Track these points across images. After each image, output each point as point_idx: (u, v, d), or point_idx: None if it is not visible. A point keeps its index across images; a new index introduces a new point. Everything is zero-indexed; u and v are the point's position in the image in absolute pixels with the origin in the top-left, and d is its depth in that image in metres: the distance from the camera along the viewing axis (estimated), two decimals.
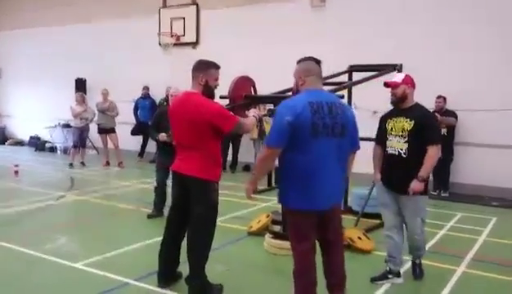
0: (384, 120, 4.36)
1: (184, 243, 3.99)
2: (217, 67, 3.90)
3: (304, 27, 10.07)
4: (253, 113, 4.16)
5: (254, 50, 10.53)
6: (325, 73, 5.90)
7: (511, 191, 8.16)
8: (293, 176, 3.19)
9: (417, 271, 4.43)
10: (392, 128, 4.19)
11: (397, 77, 4.35)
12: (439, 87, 8.44)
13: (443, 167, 8.35)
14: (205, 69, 3.84)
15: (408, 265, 4.64)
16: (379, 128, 4.42)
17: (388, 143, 4.22)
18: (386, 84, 4.32)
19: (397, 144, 4.13)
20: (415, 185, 4.00)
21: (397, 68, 6.16)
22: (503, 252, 5.39)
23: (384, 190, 4.32)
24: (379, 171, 4.36)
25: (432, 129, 4.12)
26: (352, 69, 6.70)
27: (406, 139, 4.07)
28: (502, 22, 8.32)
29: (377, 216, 6.04)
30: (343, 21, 9.67)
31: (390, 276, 4.30)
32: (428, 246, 5.30)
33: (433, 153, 4.01)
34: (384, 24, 9.23)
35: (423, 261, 4.53)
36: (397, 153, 4.13)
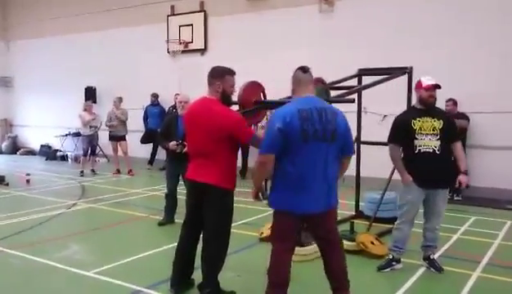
0: (406, 121, 4.55)
1: (198, 251, 3.98)
2: (232, 73, 3.87)
3: (312, 32, 10.06)
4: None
5: (263, 55, 10.53)
6: (334, 78, 5.97)
7: None
8: (284, 180, 3.36)
9: (437, 265, 4.62)
10: (420, 128, 4.46)
11: (433, 80, 4.60)
12: (450, 90, 8.33)
13: (456, 170, 8.25)
14: (221, 76, 3.80)
15: (422, 270, 4.61)
16: (400, 129, 4.59)
17: (417, 142, 4.46)
18: (438, 86, 4.56)
19: (430, 143, 4.43)
20: (464, 179, 4.53)
21: (407, 71, 6.11)
22: None
23: (414, 188, 4.52)
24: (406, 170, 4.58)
25: (456, 128, 4.69)
26: (362, 73, 6.65)
27: (439, 137, 4.41)
28: None
29: (389, 220, 6.00)
30: (352, 26, 9.63)
31: (394, 263, 4.69)
32: (442, 250, 5.30)
33: (461, 147, 4.59)
34: (393, 28, 9.17)
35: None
36: (431, 150, 4.43)
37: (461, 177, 4.50)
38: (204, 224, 3.86)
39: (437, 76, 8.65)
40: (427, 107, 4.53)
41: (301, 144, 3.26)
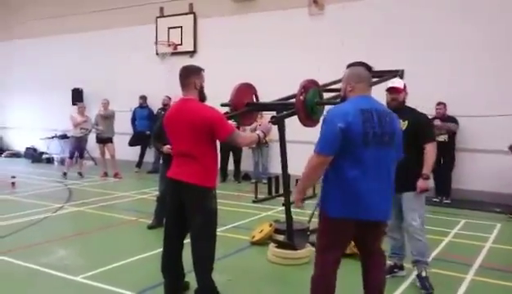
0: None
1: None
2: (202, 70, 3.92)
3: (302, 35, 10.05)
4: (259, 131, 4.05)
5: (252, 58, 10.49)
6: (324, 80, 5.94)
7: None
8: (341, 185, 3.08)
9: (427, 285, 4.26)
10: None
11: (397, 83, 4.52)
12: (440, 94, 8.42)
13: (445, 174, 8.30)
14: (198, 74, 3.84)
15: (415, 273, 4.59)
16: None
17: None
18: (393, 89, 4.44)
19: None
20: (422, 184, 4.26)
21: (398, 74, 6.10)
22: (511, 259, 5.31)
23: None
24: None
25: (427, 127, 4.46)
26: None
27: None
28: (507, 26, 8.30)
29: None
30: (342, 29, 9.65)
31: (396, 270, 4.58)
32: (434, 253, 5.27)
33: (432, 150, 4.29)
34: (383, 31, 9.21)
35: (430, 269, 4.46)
36: None
37: (418, 181, 4.27)
38: (186, 226, 3.80)
39: (427, 79, 8.76)
40: (393, 109, 4.46)
41: (361, 147, 3.01)
